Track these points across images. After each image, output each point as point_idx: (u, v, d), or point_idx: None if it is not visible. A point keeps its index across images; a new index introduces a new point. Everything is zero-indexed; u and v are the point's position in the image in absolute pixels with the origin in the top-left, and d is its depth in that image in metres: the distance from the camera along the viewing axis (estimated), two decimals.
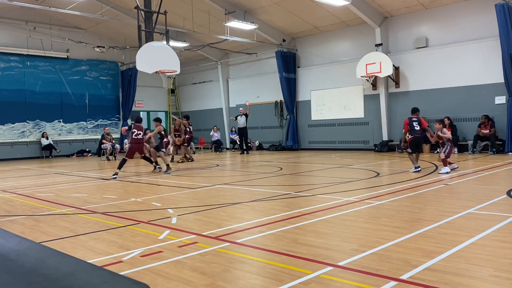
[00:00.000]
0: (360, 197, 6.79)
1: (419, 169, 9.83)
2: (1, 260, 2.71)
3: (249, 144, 20.33)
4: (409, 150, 9.99)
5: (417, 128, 9.94)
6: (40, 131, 20.96)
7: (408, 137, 10.24)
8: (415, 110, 10.37)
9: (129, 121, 24.08)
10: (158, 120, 12.83)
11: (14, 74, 20.23)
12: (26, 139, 20.65)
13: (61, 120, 21.82)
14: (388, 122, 17.57)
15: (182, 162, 15.29)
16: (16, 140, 20.37)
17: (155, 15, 14.12)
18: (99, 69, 23.13)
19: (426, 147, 15.94)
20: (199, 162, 15.57)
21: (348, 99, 18.91)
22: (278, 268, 3.53)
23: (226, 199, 7.12)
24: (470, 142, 14.96)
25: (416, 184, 8.02)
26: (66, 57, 21.75)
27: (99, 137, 19.87)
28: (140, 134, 11.29)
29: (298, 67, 20.71)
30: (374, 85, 17.72)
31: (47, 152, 20.70)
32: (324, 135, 19.84)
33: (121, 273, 3.37)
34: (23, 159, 20.05)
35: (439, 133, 9.92)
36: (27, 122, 20.70)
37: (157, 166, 12.28)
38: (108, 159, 17.86)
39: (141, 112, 26.22)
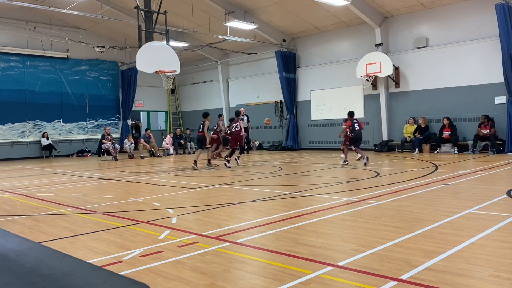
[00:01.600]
0: (360, 197, 6.79)
1: (347, 162, 12.33)
2: (1, 260, 2.71)
3: (249, 144, 20.33)
4: (347, 143, 12.55)
5: (357, 128, 12.21)
6: (40, 131, 20.96)
7: (348, 135, 12.43)
8: (353, 114, 12.85)
9: (129, 121, 24.09)
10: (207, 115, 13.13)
11: (14, 74, 20.23)
12: (26, 139, 20.64)
13: (61, 120, 21.82)
14: (388, 122, 17.57)
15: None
16: (16, 140, 20.37)
17: (155, 15, 14.12)
18: (99, 69, 23.13)
19: (426, 147, 15.97)
20: (199, 161, 15.55)
21: (348, 99, 18.90)
22: (278, 268, 3.53)
23: (226, 199, 7.12)
24: (470, 142, 14.95)
25: (416, 184, 8.02)
26: (66, 57, 21.76)
27: (99, 137, 19.87)
28: (238, 126, 13.08)
29: (298, 67, 20.71)
30: (374, 85, 17.72)
31: (47, 152, 20.69)
32: (324, 135, 19.83)
33: (121, 273, 3.37)
34: (23, 159, 20.05)
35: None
36: (27, 122, 20.70)
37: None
38: (116, 159, 17.87)
39: (141, 112, 26.23)
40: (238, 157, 13.71)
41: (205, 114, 12.85)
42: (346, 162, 12.28)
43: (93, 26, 21.57)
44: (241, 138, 13.25)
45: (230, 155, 13.13)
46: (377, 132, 18.02)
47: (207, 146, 12.94)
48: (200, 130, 12.57)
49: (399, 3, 16.16)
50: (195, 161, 12.48)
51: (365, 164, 11.45)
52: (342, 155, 13.11)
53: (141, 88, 24.15)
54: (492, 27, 14.41)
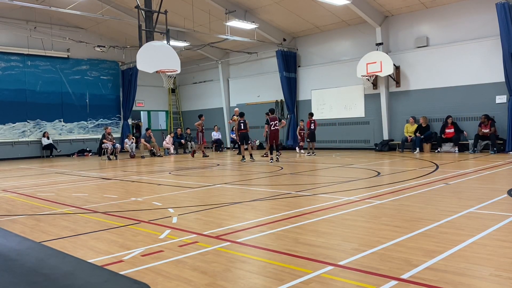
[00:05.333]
0: (360, 196, 6.79)
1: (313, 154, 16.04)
2: (2, 259, 2.71)
3: (250, 143, 20.30)
4: (308, 140, 16.80)
5: (313, 127, 16.26)
6: (41, 131, 20.97)
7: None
8: (312, 114, 16.98)
9: (130, 121, 24.10)
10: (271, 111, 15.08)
11: (14, 73, 20.24)
12: (27, 139, 20.66)
13: (62, 119, 21.83)
14: (389, 121, 17.56)
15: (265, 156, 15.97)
16: (17, 140, 20.39)
17: (155, 15, 14.12)
18: (100, 69, 23.14)
19: (426, 146, 15.96)
20: (199, 161, 15.57)
21: (348, 98, 18.90)
22: (278, 268, 3.53)
23: (226, 198, 7.12)
24: (471, 142, 14.95)
25: (417, 183, 8.02)
26: (66, 56, 21.77)
27: (100, 136, 19.88)
28: (276, 124, 14.59)
29: (299, 66, 20.70)
30: (375, 85, 17.71)
31: (48, 151, 20.71)
32: (325, 135, 19.81)
33: (121, 273, 3.37)
34: (24, 159, 20.07)
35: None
36: (28, 122, 20.71)
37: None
38: (109, 159, 17.85)
39: (141, 112, 26.25)
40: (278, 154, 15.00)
41: (241, 114, 15.26)
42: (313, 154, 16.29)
43: (93, 25, 21.58)
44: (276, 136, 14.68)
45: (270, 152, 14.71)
46: (377, 131, 18.01)
47: (249, 142, 15.05)
48: (243, 128, 14.93)
49: (399, 2, 16.15)
50: (250, 155, 14.92)
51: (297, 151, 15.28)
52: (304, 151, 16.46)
53: (142, 88, 24.17)
54: (492, 26, 14.39)
